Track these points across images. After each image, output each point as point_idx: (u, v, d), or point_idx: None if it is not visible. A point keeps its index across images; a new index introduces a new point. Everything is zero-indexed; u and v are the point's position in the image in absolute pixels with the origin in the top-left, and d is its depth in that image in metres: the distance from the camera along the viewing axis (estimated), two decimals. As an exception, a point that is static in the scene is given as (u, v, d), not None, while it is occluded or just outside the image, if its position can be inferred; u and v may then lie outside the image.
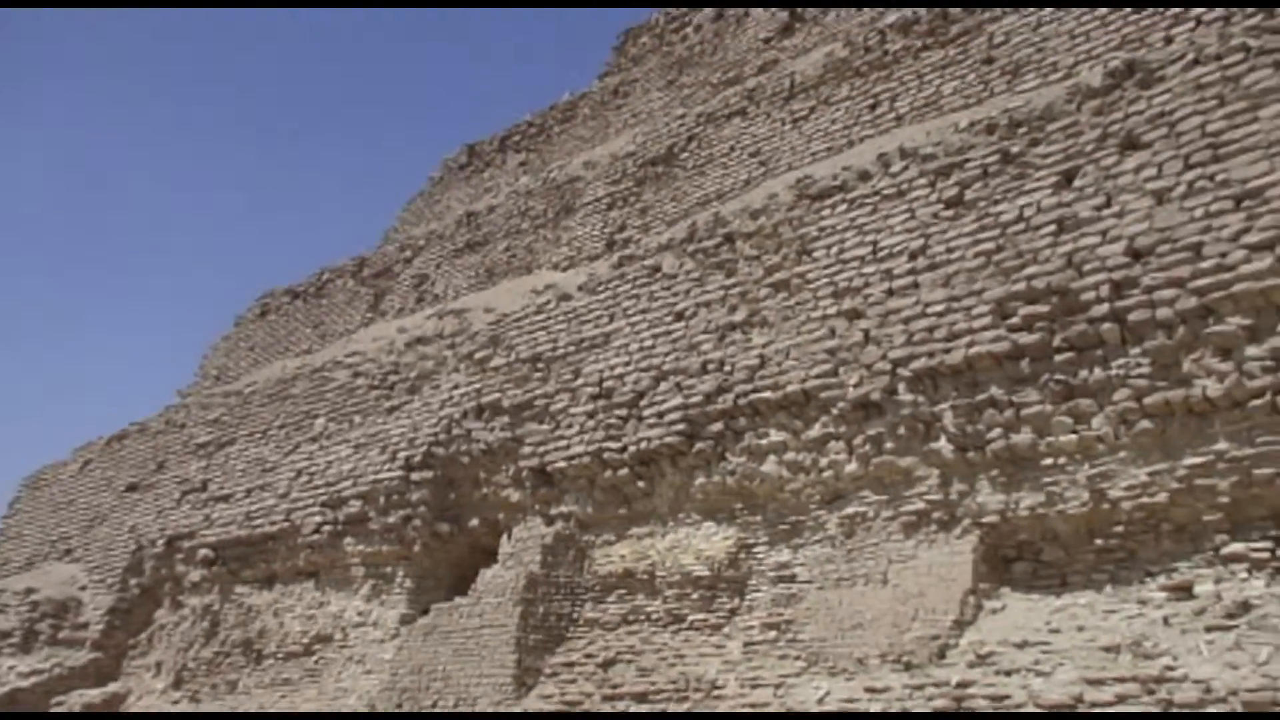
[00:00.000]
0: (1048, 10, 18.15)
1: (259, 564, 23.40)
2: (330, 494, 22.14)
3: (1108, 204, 13.86)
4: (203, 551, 24.23)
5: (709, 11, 27.68)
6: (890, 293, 15.66)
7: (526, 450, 19.41)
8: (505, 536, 19.54)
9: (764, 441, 16.44)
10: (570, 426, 18.91)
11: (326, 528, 21.99)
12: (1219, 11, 15.78)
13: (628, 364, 18.59)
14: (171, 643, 24.10)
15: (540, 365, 20.02)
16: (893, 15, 21.44)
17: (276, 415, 24.96)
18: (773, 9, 25.54)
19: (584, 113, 29.01)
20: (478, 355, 21.21)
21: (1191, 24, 16.16)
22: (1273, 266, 12.05)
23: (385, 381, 22.97)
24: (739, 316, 17.33)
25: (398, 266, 28.99)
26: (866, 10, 23.35)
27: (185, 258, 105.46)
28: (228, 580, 23.86)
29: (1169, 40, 16.17)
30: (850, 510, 15.47)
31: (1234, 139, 13.06)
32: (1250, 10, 15.19)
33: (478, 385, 20.83)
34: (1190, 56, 14.09)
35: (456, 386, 21.29)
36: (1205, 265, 12.58)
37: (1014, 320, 14.08)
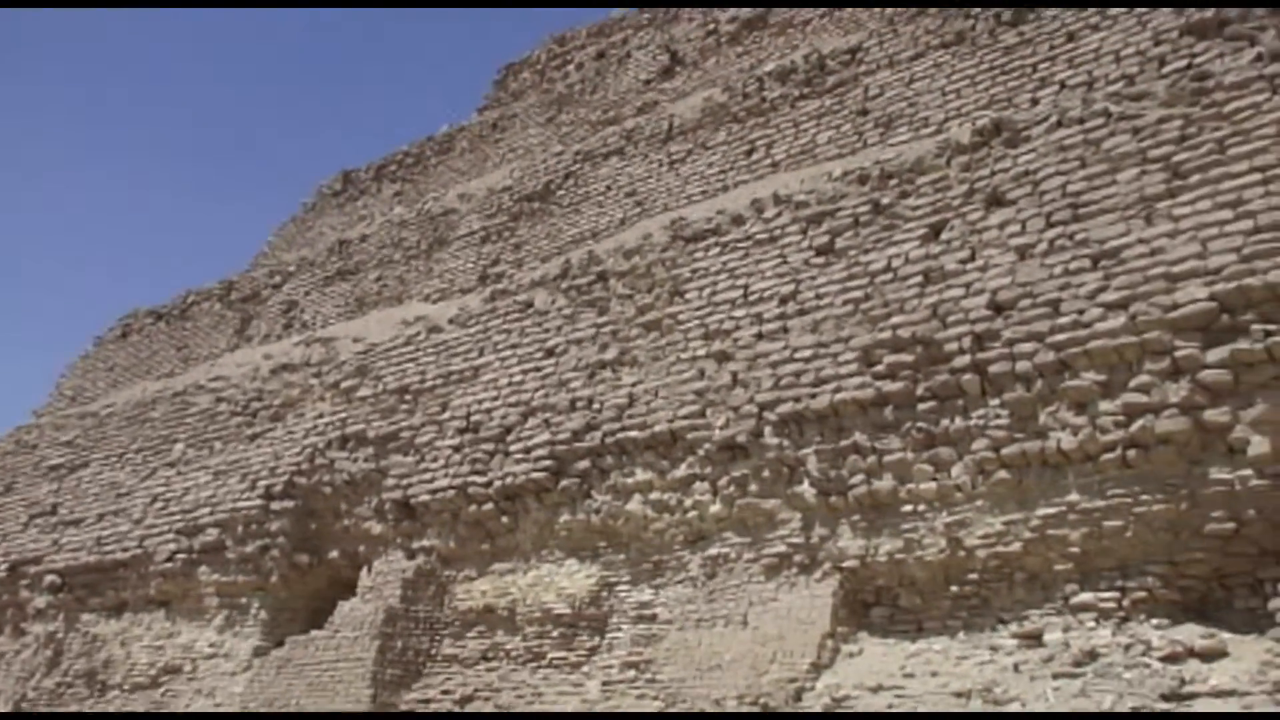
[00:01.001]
0: (920, 67, 18.58)
1: (108, 592, 22.62)
2: (186, 521, 21.53)
3: (972, 258, 14.19)
4: (49, 577, 23.34)
5: (590, 50, 27.83)
6: (760, 336, 15.80)
7: (390, 482, 19.12)
8: (365, 569, 19.19)
9: (630, 480, 16.42)
10: (436, 460, 18.69)
11: (181, 556, 21.35)
12: (1083, 76, 16.30)
13: (496, 399, 18.45)
14: (11, 672, 23.13)
15: (407, 397, 19.77)
16: (771, 64, 21.77)
17: (134, 439, 24.24)
18: (654, 52, 25.74)
19: (462, 145, 28.86)
20: (344, 385, 20.88)
21: (1056, 88, 16.66)
22: (1126, 325, 12.43)
23: (248, 408, 22.46)
24: (609, 355, 17.33)
25: (266, 292, 28.43)
26: (746, 58, 23.67)
27: (45, 277, 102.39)
28: (74, 608, 23.02)
29: (1035, 102, 16.65)
30: (713, 551, 15.51)
31: (1093, 200, 13.49)
32: (1112, 76, 15.74)
33: (343, 415, 20.48)
34: (1054, 119, 14.54)
35: (321, 416, 20.91)
36: (1063, 321, 12.92)
37: (879, 368, 14.30)
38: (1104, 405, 12.52)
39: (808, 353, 15.13)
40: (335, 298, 26.55)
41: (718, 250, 17.11)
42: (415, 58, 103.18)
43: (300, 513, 20.34)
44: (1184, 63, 15.09)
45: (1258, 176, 12.27)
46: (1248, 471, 11.65)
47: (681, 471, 15.96)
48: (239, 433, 22.22)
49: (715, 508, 15.53)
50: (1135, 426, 12.22)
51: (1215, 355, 11.89)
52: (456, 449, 18.49)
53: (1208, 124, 13.05)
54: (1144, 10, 16.34)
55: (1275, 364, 11.62)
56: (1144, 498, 12.20)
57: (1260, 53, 13.41)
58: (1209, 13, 15.44)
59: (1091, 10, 16.93)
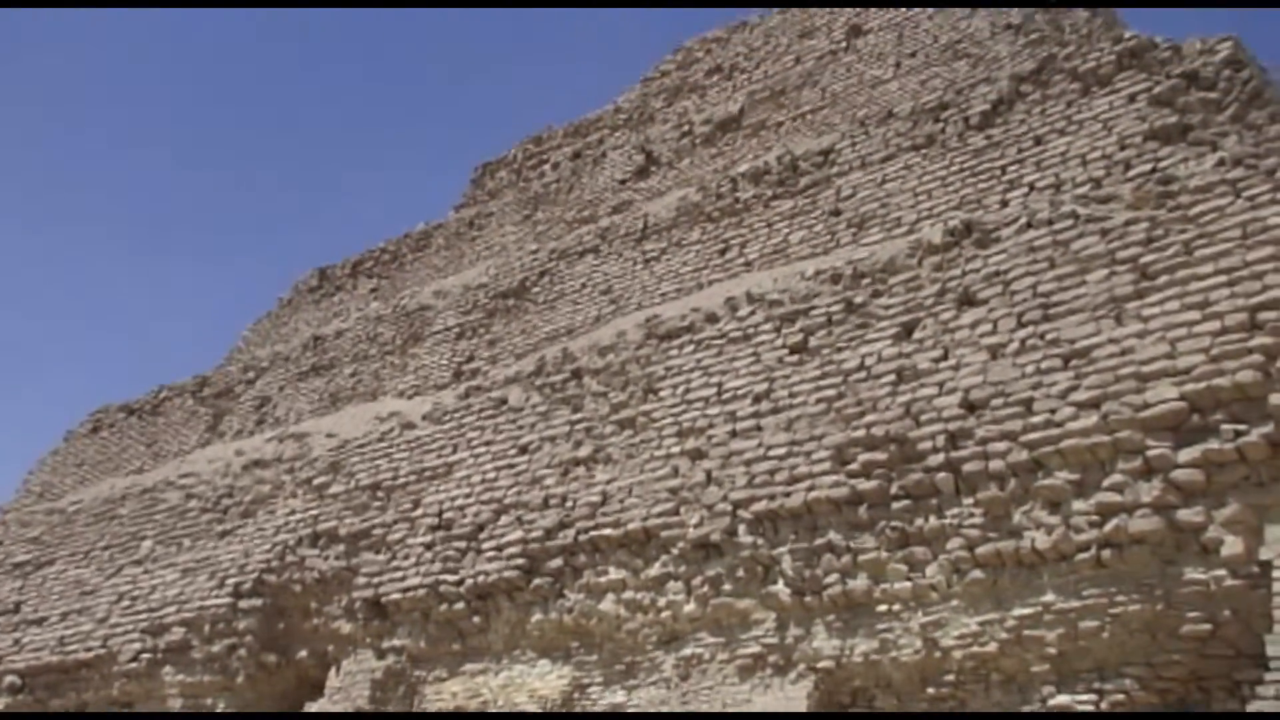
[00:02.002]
0: (892, 168, 18.85)
1: (69, 693, 22.16)
2: (152, 620, 21.19)
3: (945, 357, 14.29)
4: (9, 678, 22.87)
5: (567, 150, 28.15)
6: (734, 434, 15.82)
7: (361, 581, 18.91)
8: (334, 670, 18.90)
9: (603, 579, 16.29)
10: (407, 557, 18.51)
11: (145, 655, 20.98)
12: (1050, 179, 16.57)
13: (469, 495, 18.35)
14: (-34, 777, 22.58)
15: (380, 494, 19.64)
16: (744, 165, 22.05)
17: (101, 535, 23.94)
18: (629, 152, 26.06)
19: (438, 242, 29.03)
20: (316, 481, 20.73)
21: (1025, 189, 16.92)
22: (1098, 424, 12.51)
23: (219, 504, 22.26)
24: (583, 452, 17.30)
25: (240, 387, 28.33)
26: (720, 158, 23.98)
27: (16, 371, 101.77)
28: (35, 710, 22.53)
29: (1004, 204, 16.89)
30: (687, 651, 15.35)
31: (1064, 300, 13.65)
32: (1080, 179, 16.00)
33: (315, 512, 20.31)
34: (1024, 220, 14.76)
35: (293, 512, 20.73)
36: (1035, 420, 12.99)
37: (853, 466, 14.31)
38: (1077, 504, 12.55)
39: (782, 451, 15.14)
40: (309, 393, 26.47)
41: (692, 348, 17.18)
42: (394, 156, 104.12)
43: (269, 611, 20.07)
44: (1149, 167, 15.37)
45: (1224, 278, 12.47)
46: (1222, 572, 11.66)
47: (655, 570, 15.85)
48: (209, 530, 21.98)
49: (689, 607, 15.41)
50: (1109, 526, 12.24)
51: (1187, 455, 11.97)
52: (428, 546, 18.34)
53: (1174, 226, 13.27)
54: (1109, 116, 16.68)
55: (1246, 464, 11.70)
56: (1119, 598, 12.18)
57: (1223, 158, 13.70)
58: (1172, 119, 15.78)
59: (1057, 115, 17.27)
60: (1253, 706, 11.30)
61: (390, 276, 29.66)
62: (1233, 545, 11.57)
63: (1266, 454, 11.60)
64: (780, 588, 14.66)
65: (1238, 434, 11.71)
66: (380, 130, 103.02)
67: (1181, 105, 16.02)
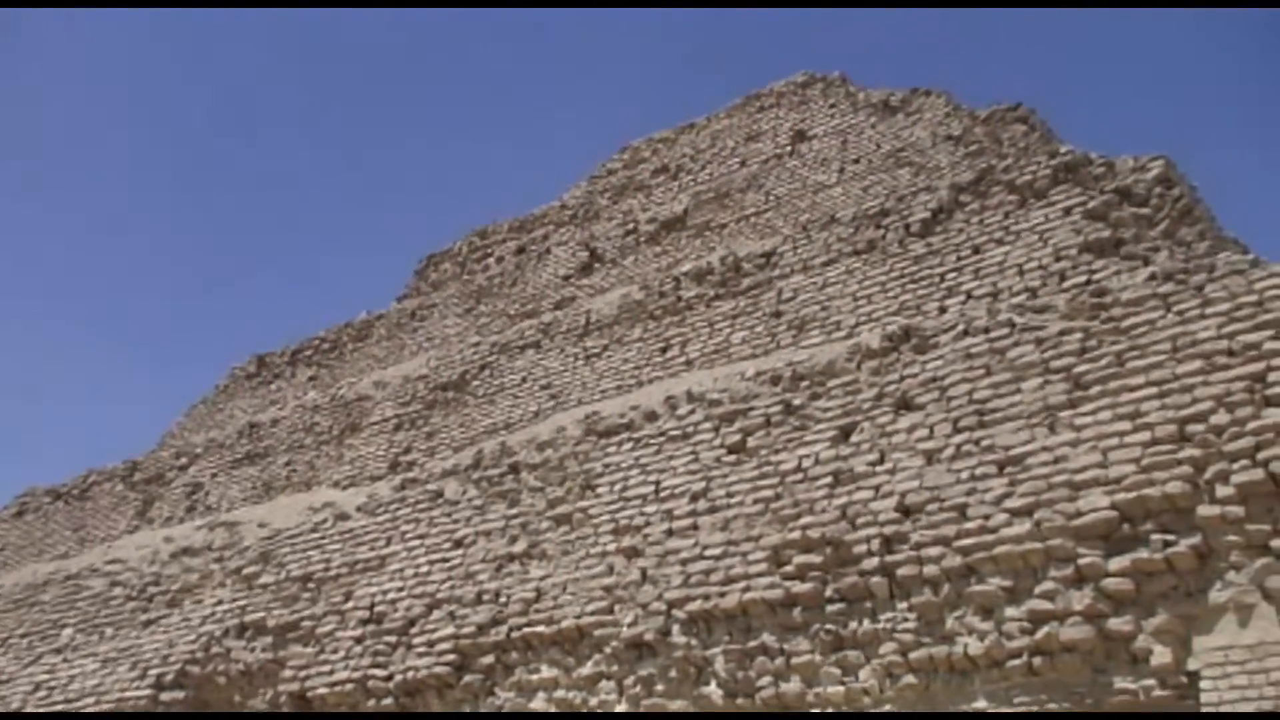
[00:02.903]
0: (833, 272, 19.12)
1: (-22, 787, 21.44)
2: (69, 712, 20.59)
3: (882, 460, 14.37)
4: (-84, 770, 22.10)
5: (511, 244, 28.31)
6: (670, 533, 15.76)
7: (288, 674, 18.51)
8: (256, 768, 18.41)
9: (535, 677, 16.06)
10: (336, 651, 18.16)
11: (59, 749, 20.35)
12: (988, 287, 16.87)
13: (401, 589, 18.09)
14: None
15: (311, 585, 19.32)
16: (688, 264, 22.27)
17: (20, 622, 23.30)
18: (574, 248, 26.24)
19: (379, 332, 28.98)
20: (246, 571, 20.37)
21: (963, 297, 17.21)
22: (1031, 531, 12.60)
23: (144, 592, 21.78)
24: (518, 548, 17.15)
25: (171, 473, 27.92)
26: (664, 257, 24.21)
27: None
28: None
29: (943, 310, 17.15)
30: (617, 754, 15.13)
31: (999, 407, 13.82)
32: (1016, 289, 16.30)
33: (243, 602, 19.92)
34: (961, 327, 14.97)
35: (220, 602, 20.31)
36: (970, 526, 13.06)
37: (789, 568, 14.28)
38: (1010, 611, 12.59)
39: (717, 551, 15.09)
40: (243, 481, 26.14)
41: (630, 446, 17.17)
42: (335, 244, 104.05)
43: (191, 704, 19.55)
44: (1083, 278, 15.70)
45: (1154, 390, 12.69)
46: (1151, 681, 11.69)
47: (588, 669, 15.66)
48: (132, 618, 21.47)
49: (621, 707, 15.20)
50: (1040, 633, 12.27)
51: (1117, 564, 12.07)
52: (358, 640, 18.02)
53: (1106, 338, 13.52)
54: (1045, 227, 17.05)
55: (1175, 574, 11.81)
56: (1050, 706, 12.17)
57: (1154, 272, 14.01)
58: (1106, 232, 16.15)
59: (995, 225, 17.63)
60: (1181, 819, 11.31)
61: (330, 365, 29.53)
62: (1161, 655, 11.63)
63: (1194, 564, 11.73)
64: (713, 689, 14.51)
65: (1167, 544, 11.84)
66: (322, 219, 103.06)
67: (1115, 220, 16.43)
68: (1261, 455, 11.64)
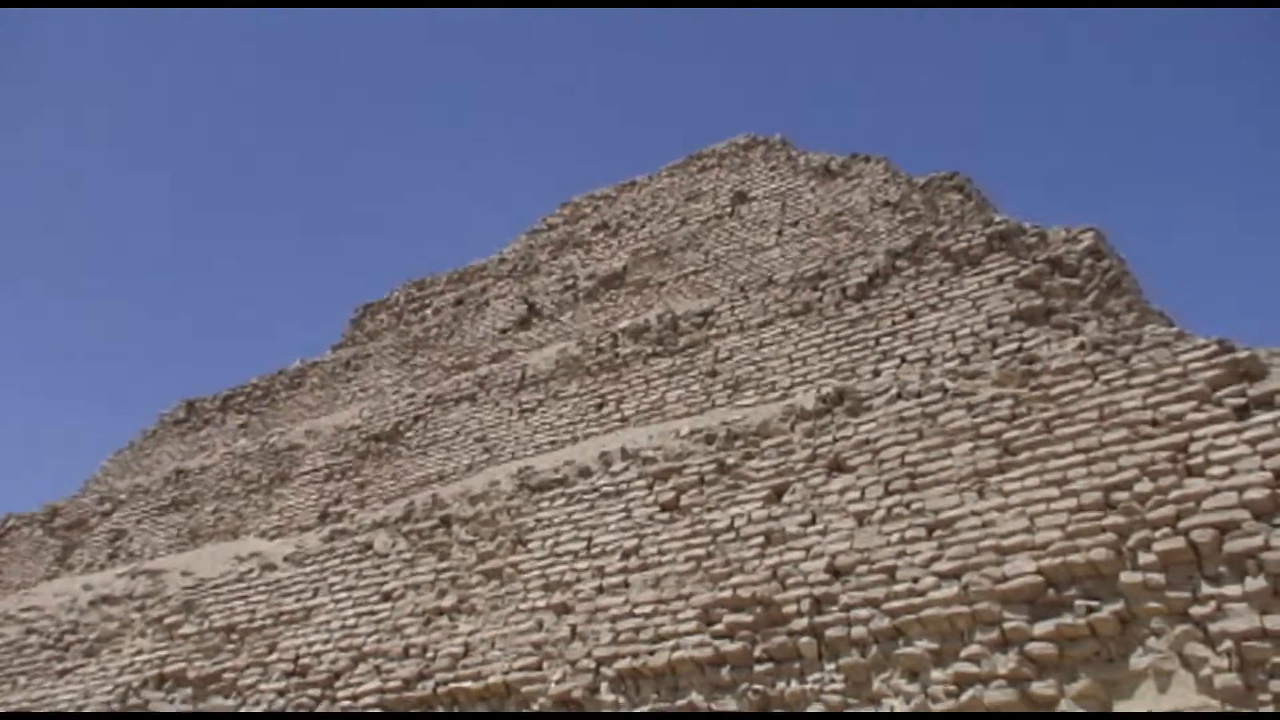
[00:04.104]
0: (769, 333, 19.27)
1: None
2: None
3: (813, 521, 14.45)
4: None
5: (449, 296, 28.27)
6: (601, 590, 15.70)
7: (207, 727, 18.15)
8: (170, 822, 17.98)
9: (460, 734, 15.87)
10: (258, 704, 17.83)
11: (-34, 801, 19.79)
12: (922, 352, 17.08)
13: (327, 642, 17.84)
14: None
15: (234, 636, 18.99)
16: (625, 321, 22.35)
17: (-69, 670, 22.70)
18: (512, 302, 26.26)
19: (313, 381, 28.74)
20: (168, 620, 19.99)
21: (898, 361, 17.41)
22: (959, 594, 12.70)
23: (61, 641, 21.30)
24: (447, 602, 17.00)
25: (94, 519, 27.41)
26: (602, 314, 24.28)
27: None
28: None
29: (877, 373, 17.34)
30: (542, 813, 14.96)
31: (930, 471, 13.96)
32: (949, 354, 16.51)
33: (163, 653, 19.53)
34: (895, 391, 15.14)
35: (140, 652, 19.90)
36: (898, 588, 13.14)
37: (718, 627, 14.27)
38: (936, 674, 12.65)
39: (648, 608, 15.05)
40: (167, 528, 25.72)
41: (563, 501, 17.12)
42: (267, 293, 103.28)
43: (104, 757, 19.11)
44: (1015, 346, 15.95)
45: (1081, 457, 12.88)
46: (1073, 747, 11.80)
47: (514, 727, 15.51)
48: (47, 668, 20.98)
49: (546, 766, 15.07)
50: (965, 696, 12.34)
51: (1042, 628, 12.18)
52: (281, 694, 17.72)
53: (1036, 405, 13.72)
54: (978, 295, 17.32)
55: (1097, 639, 11.94)
56: (973, 770, 12.23)
57: (1083, 341, 14.26)
58: (1037, 301, 16.43)
59: (930, 291, 17.88)
60: None
61: (261, 413, 29.22)
62: (1084, 721, 11.74)
63: (1116, 630, 11.87)
64: (638, 748, 14.42)
65: (1090, 610, 11.97)
66: (256, 264, 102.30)
67: (1046, 289, 16.73)
68: (1183, 524, 11.84)
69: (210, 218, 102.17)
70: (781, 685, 13.63)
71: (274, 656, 18.23)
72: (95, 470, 32.35)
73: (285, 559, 19.79)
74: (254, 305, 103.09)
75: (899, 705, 12.72)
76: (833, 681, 13.28)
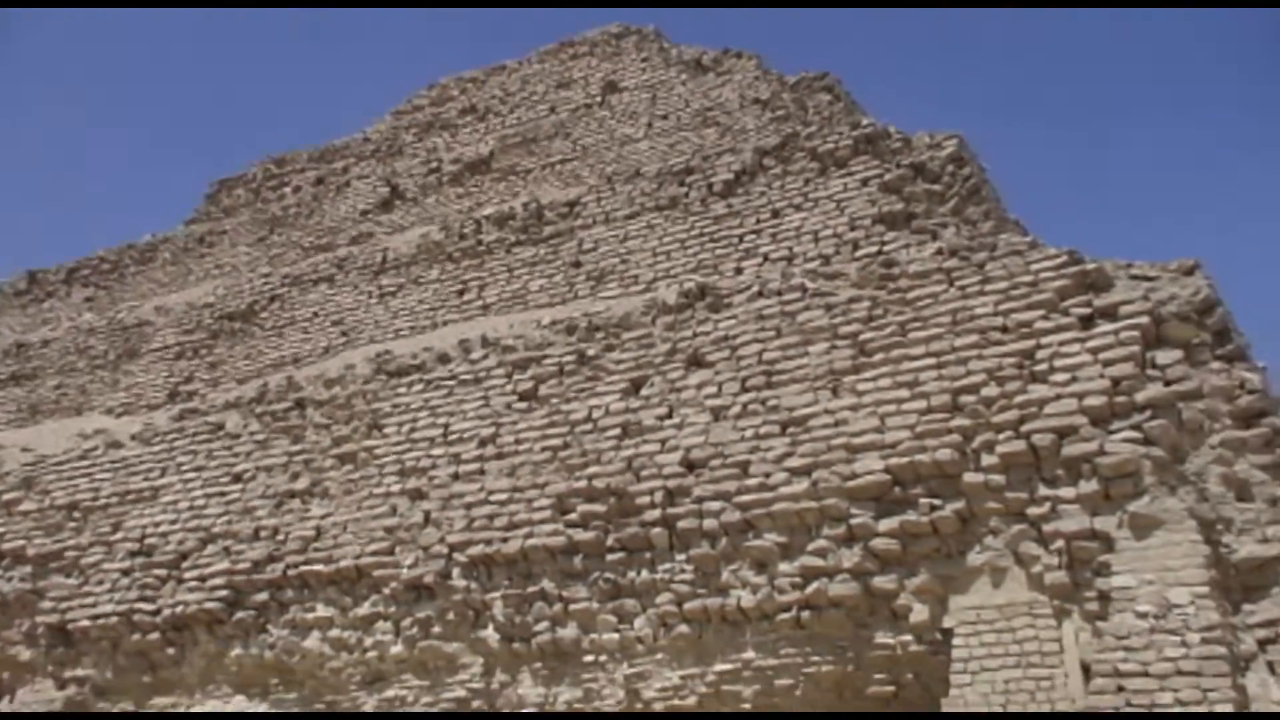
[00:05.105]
0: (634, 226, 19.22)
1: None
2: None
3: (670, 415, 14.59)
4: None
5: (310, 175, 27.52)
6: (456, 477, 15.69)
7: (47, 605, 17.78)
8: (8, 699, 17.66)
9: (310, 616, 15.83)
10: (101, 583, 17.53)
11: None
12: (784, 251, 17.22)
13: (175, 522, 17.56)
14: None
15: (77, 514, 18.56)
16: (490, 208, 22.09)
17: None
18: (375, 183, 25.72)
19: (164, 256, 27.83)
20: (6, 497, 19.42)
21: (760, 259, 17.52)
22: (808, 490, 12.99)
23: (-108, 515, 20.59)
24: (300, 485, 16.83)
25: (-72, 392, 26.38)
26: (466, 199, 23.93)
27: None
28: None
29: (739, 271, 17.44)
30: (390, 693, 15.06)
31: (786, 369, 14.16)
32: (811, 255, 16.68)
33: (1, 529, 19.02)
34: (756, 289, 15.26)
35: (-25, 529, 19.34)
36: (750, 482, 13.39)
37: (572, 516, 14.40)
38: (783, 566, 12.98)
39: (503, 496, 15.11)
40: (6, 403, 24.90)
41: (421, 387, 16.99)
42: (118, 161, 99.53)
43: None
44: (875, 249, 16.16)
45: (933, 360, 13.19)
46: (908, 637, 12.27)
47: (364, 610, 15.51)
48: (-121, 542, 20.29)
49: (396, 649, 15.13)
50: (810, 589, 12.70)
51: (886, 525, 12.56)
52: (125, 573, 17.43)
53: (892, 307, 13.97)
54: (842, 196, 17.48)
55: (938, 536, 12.35)
56: (814, 658, 12.65)
57: (941, 247, 14.52)
58: (899, 206, 16.65)
59: (795, 191, 17.99)
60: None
61: (109, 287, 28.24)
62: (920, 613, 12.20)
63: (957, 528, 12.30)
64: (490, 633, 14.57)
65: (933, 508, 12.37)
66: (107, 133, 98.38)
67: (908, 194, 16.94)
68: (1025, 428, 12.26)
69: (63, 75, 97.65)
70: (633, 574, 13.86)
71: (119, 535, 17.90)
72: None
73: (132, 437, 19.35)
74: (102, 178, 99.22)
75: (745, 596, 13.03)
76: (683, 571, 13.54)
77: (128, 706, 16.92)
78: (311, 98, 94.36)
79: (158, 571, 17.16)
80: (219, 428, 18.48)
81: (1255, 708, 10.33)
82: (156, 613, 16.81)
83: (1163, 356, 12.24)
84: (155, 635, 16.77)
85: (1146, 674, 10.37)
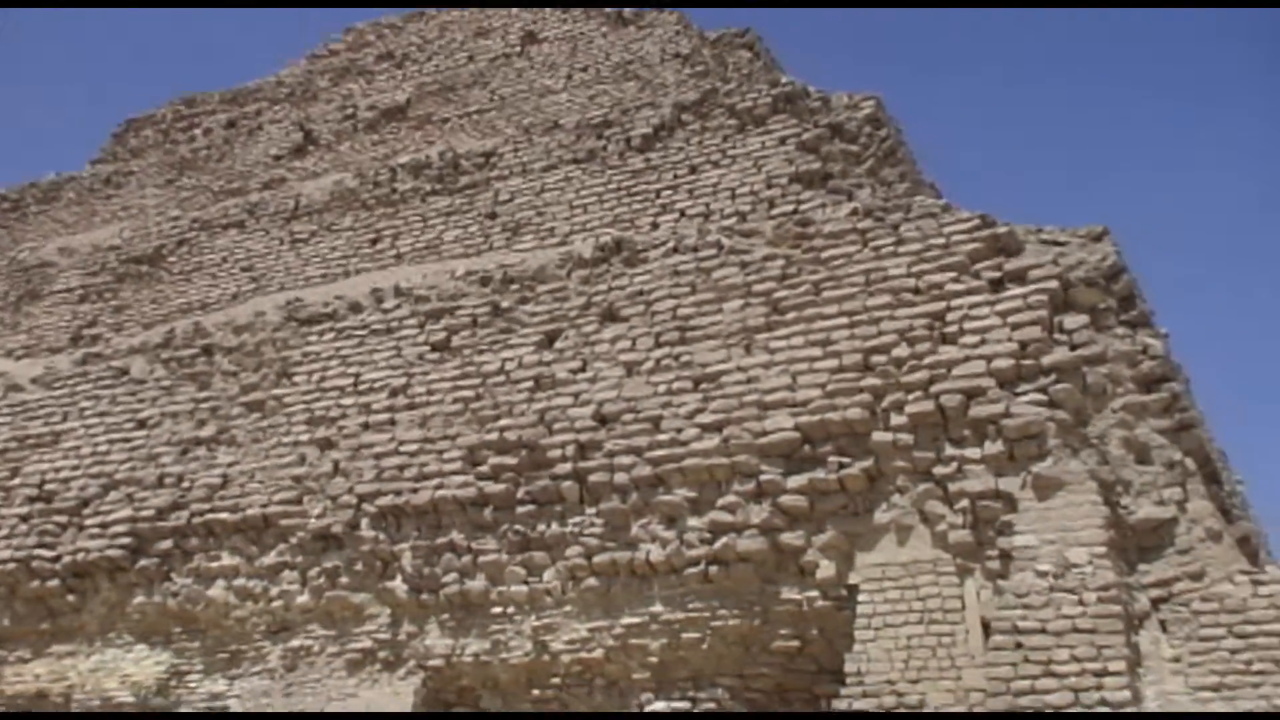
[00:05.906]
0: (551, 178, 19.09)
1: None
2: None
3: (583, 369, 14.60)
4: None
5: (221, 117, 26.94)
6: (366, 427, 15.58)
7: (-58, 550, 17.39)
8: (-100, 645, 17.28)
9: (214, 564, 15.66)
10: (-1, 529, 17.18)
11: None
12: (701, 208, 17.22)
13: (76, 468, 17.25)
14: None
15: (-27, 458, 18.15)
16: (405, 156, 21.81)
17: None
18: (288, 128, 25.26)
19: (69, 196, 27.08)
20: (-100, 439, 18.94)
21: (677, 215, 17.50)
22: (719, 446, 13.09)
23: None
24: (206, 432, 16.60)
25: None
26: (381, 147, 23.60)
27: None
28: None
29: (655, 226, 17.40)
30: (295, 643, 14.97)
31: (700, 325, 14.22)
32: (727, 212, 16.70)
33: (-105, 472, 18.53)
34: (671, 244, 15.29)
35: None
36: (662, 438, 13.46)
37: (483, 468, 14.39)
38: (692, 521, 13.08)
39: (413, 447, 15.04)
40: (-101, 343, 24.19)
41: (332, 335, 16.82)
42: (19, 99, 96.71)
43: None
44: (791, 208, 16.20)
45: (845, 320, 13.33)
46: (814, 593, 12.44)
47: (271, 559, 15.38)
48: None
49: (302, 598, 15.04)
50: (719, 544, 12.82)
51: (795, 482, 12.71)
52: (24, 519, 17.10)
53: (806, 266, 14.07)
54: (760, 154, 17.49)
55: (846, 494, 12.53)
56: (721, 612, 12.78)
57: (856, 208, 14.65)
58: (815, 165, 16.70)
59: (713, 148, 17.97)
60: (831, 721, 12.09)
61: (9, 226, 27.39)
62: (826, 569, 12.37)
63: (864, 486, 12.48)
64: (398, 584, 14.54)
65: (841, 466, 12.54)
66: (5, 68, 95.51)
67: (825, 154, 16.99)
68: (934, 388, 12.45)
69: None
70: (543, 527, 13.88)
71: (17, 481, 17.56)
72: None
73: (33, 380, 18.96)
74: (1, 115, 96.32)
75: (654, 550, 13.12)
76: (593, 525, 13.60)
77: (25, 654, 16.64)
78: (225, 38, 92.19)
79: (58, 518, 16.85)
80: (123, 373, 18.17)
81: (1147, 664, 10.63)
82: (56, 559, 16.53)
83: (1069, 321, 12.49)
84: (55, 582, 16.48)
85: (1044, 631, 10.62)
